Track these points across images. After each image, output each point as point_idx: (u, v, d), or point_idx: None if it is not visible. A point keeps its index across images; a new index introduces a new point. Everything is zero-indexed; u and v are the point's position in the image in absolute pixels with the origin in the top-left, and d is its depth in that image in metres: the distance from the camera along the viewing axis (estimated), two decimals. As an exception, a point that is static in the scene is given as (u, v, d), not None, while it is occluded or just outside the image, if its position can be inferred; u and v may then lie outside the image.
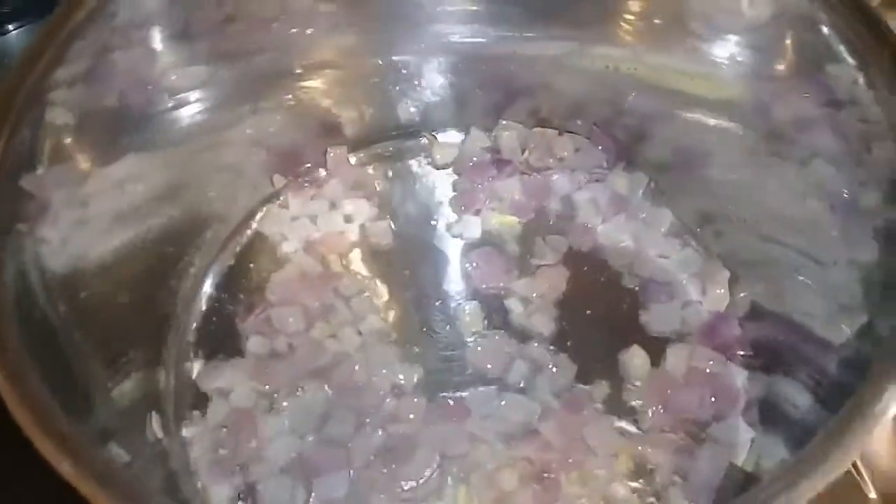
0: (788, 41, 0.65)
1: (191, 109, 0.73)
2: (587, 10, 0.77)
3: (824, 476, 0.47)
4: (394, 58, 0.83)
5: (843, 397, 0.51)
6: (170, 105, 0.71)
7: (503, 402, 0.73)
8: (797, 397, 0.65)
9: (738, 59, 0.69)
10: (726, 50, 0.70)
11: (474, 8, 0.79)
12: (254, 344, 0.76)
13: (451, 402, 0.73)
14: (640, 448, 0.70)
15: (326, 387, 0.73)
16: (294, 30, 0.75)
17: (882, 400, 0.49)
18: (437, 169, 0.88)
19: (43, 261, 0.59)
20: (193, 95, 0.72)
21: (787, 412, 0.66)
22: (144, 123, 0.69)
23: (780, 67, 0.67)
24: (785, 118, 0.67)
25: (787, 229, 0.70)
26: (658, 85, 0.77)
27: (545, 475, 0.69)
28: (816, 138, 0.64)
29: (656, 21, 0.73)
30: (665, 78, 0.77)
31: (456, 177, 0.87)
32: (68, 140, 0.62)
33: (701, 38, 0.71)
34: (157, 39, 0.67)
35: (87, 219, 0.65)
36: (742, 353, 0.74)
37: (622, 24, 0.75)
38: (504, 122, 0.88)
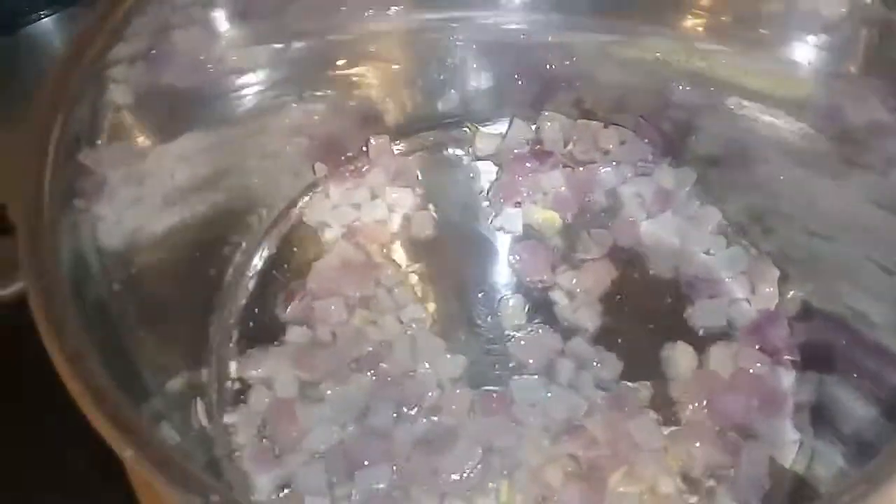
0: (863, 43, 0.64)
1: (244, 92, 0.72)
2: (646, 3, 0.75)
3: (888, 494, 0.46)
4: (439, 46, 0.82)
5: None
6: (225, 87, 0.70)
7: (549, 394, 0.72)
8: (855, 406, 0.63)
9: (808, 58, 0.68)
10: (794, 48, 0.68)
11: (526, -3, 0.78)
12: (295, 332, 0.75)
13: (495, 395, 0.72)
14: (685, 444, 0.69)
15: (370, 374, 0.73)
16: (355, 11, 0.73)
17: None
18: (479, 160, 0.87)
19: (99, 238, 0.59)
20: (250, 78, 0.72)
21: (843, 419, 0.65)
22: (199, 104, 0.68)
23: (853, 69, 0.65)
24: (857, 122, 0.65)
25: (846, 231, 0.69)
26: (710, 78, 0.76)
27: (592, 472, 0.68)
28: (891, 144, 0.62)
29: (723, 18, 0.72)
30: (718, 71, 0.75)
31: (497, 168, 0.86)
32: (127, 117, 0.62)
33: (768, 36, 0.69)
34: (219, 18, 0.66)
35: (142, 197, 0.64)
36: (790, 357, 0.73)
37: (684, 17, 0.74)
38: (547, 114, 0.86)
